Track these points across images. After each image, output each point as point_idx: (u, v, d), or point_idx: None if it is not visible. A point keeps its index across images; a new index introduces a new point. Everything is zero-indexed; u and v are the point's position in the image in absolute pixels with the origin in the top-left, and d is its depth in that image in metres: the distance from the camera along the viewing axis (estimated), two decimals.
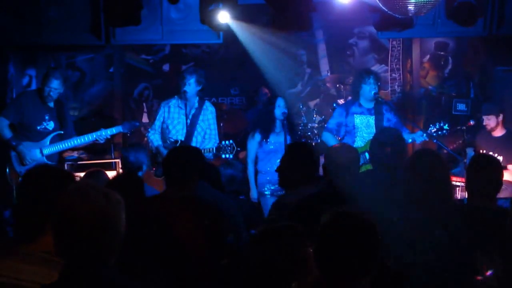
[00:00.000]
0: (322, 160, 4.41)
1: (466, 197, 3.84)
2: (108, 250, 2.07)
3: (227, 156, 6.18)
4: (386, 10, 5.22)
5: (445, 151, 6.75)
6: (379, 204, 3.22)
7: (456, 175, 6.83)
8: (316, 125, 8.01)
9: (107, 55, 8.66)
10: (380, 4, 5.19)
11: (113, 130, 6.58)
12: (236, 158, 6.73)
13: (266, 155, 6.28)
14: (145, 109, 8.99)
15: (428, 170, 3.37)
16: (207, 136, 6.50)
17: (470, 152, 7.12)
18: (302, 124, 7.96)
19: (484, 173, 3.57)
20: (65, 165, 7.33)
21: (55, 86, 6.35)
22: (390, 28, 6.84)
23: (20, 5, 6.46)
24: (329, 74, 9.24)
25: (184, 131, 6.41)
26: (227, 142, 6.23)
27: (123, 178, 4.02)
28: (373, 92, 6.23)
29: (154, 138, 6.51)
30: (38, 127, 6.43)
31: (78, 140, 6.53)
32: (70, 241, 2.04)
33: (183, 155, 3.98)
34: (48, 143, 6.44)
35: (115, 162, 7.75)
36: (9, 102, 6.70)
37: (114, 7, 6.21)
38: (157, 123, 6.55)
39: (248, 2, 6.78)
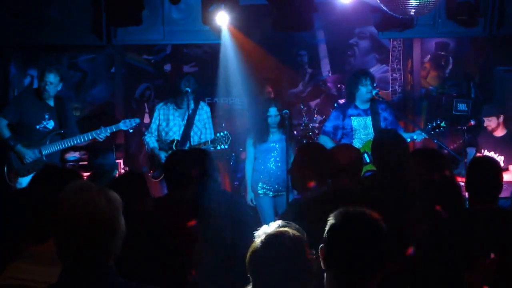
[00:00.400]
0: None
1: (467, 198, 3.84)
2: (108, 251, 2.05)
3: (223, 147, 6.22)
4: (387, 10, 5.24)
5: (445, 151, 6.76)
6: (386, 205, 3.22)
7: (457, 175, 6.84)
8: (317, 125, 8.02)
9: (109, 55, 8.65)
10: (381, 4, 5.21)
11: (113, 128, 6.46)
12: (238, 158, 6.77)
13: (260, 154, 6.34)
14: (146, 110, 8.99)
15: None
16: (202, 136, 6.53)
17: (470, 152, 7.13)
18: (303, 124, 7.97)
19: (485, 175, 3.58)
20: (66, 166, 7.31)
21: (51, 80, 6.23)
22: (391, 28, 6.86)
23: (22, 5, 6.47)
24: (330, 74, 9.25)
25: (181, 131, 6.43)
26: (221, 133, 6.27)
27: (127, 177, 4.02)
28: (374, 92, 6.24)
29: (150, 140, 6.53)
30: (38, 126, 6.33)
31: (78, 139, 6.39)
32: (69, 242, 2.02)
33: (184, 158, 3.99)
34: (47, 142, 6.34)
35: (117, 163, 7.78)
36: (8, 102, 6.63)
37: (116, 7, 6.24)
38: (153, 125, 6.57)
39: (250, 2, 6.80)
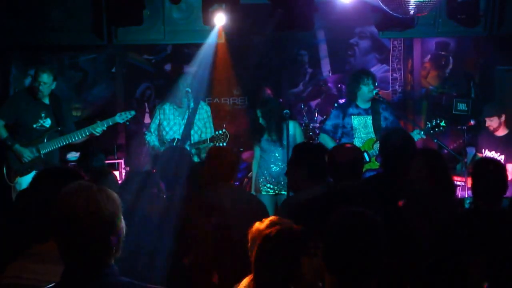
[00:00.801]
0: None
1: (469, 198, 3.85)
2: (109, 251, 2.04)
3: (221, 144, 6.24)
4: (388, 10, 5.25)
5: (445, 150, 6.77)
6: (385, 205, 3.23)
7: (457, 174, 6.85)
8: (318, 125, 8.03)
9: (109, 55, 8.65)
10: (381, 4, 5.22)
11: (109, 122, 6.36)
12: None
13: (264, 152, 6.37)
14: (147, 109, 8.99)
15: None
16: (203, 135, 6.55)
17: (470, 151, 7.13)
18: (303, 124, 7.98)
19: (490, 177, 3.59)
20: (67, 166, 7.30)
21: (45, 79, 6.20)
22: (391, 28, 6.87)
23: (22, 6, 6.47)
24: (330, 74, 9.25)
25: (181, 131, 6.45)
26: (219, 131, 6.31)
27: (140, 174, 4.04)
28: (374, 92, 6.25)
29: (151, 139, 6.55)
30: (35, 125, 6.30)
31: (75, 136, 6.31)
32: (70, 242, 2.02)
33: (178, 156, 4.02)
34: (45, 140, 6.29)
35: (118, 163, 7.78)
36: (3, 103, 6.59)
37: (117, 7, 6.25)
38: (153, 125, 6.59)
39: (250, 2, 6.81)
